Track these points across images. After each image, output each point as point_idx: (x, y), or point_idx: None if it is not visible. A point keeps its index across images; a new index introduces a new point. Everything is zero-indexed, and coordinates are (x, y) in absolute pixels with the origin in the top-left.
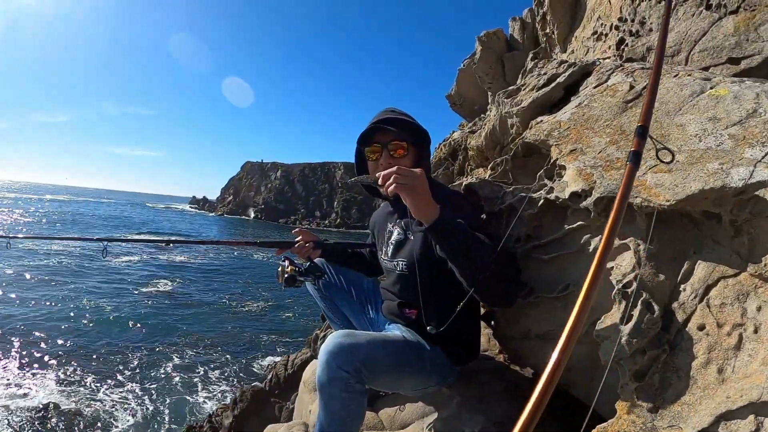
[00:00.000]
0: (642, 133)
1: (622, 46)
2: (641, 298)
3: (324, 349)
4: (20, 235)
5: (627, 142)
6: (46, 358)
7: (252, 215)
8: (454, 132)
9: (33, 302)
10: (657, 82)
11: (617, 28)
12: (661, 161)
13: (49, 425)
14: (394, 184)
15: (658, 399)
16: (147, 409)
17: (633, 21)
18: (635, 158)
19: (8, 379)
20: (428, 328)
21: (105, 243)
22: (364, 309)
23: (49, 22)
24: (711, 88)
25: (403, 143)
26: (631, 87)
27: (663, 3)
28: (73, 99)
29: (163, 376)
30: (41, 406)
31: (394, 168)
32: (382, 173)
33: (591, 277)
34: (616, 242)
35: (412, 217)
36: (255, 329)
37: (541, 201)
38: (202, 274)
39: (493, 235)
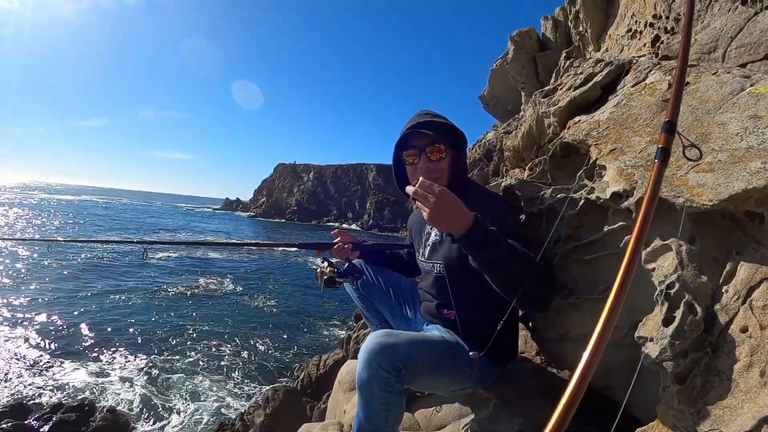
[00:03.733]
0: (669, 128)
1: (658, 44)
2: (683, 300)
3: (365, 348)
4: (60, 239)
5: None
6: (80, 354)
7: (285, 217)
8: (487, 133)
9: (70, 299)
10: (683, 74)
11: (652, 25)
12: (688, 159)
13: (80, 422)
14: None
15: (699, 402)
16: (178, 406)
17: (668, 18)
18: (663, 155)
19: (42, 376)
20: (471, 354)
21: (145, 246)
22: (402, 309)
23: (82, 28)
24: (751, 85)
25: (440, 146)
26: (670, 85)
27: None
28: (110, 103)
29: (195, 373)
30: (75, 403)
31: (417, 185)
32: (413, 190)
33: (621, 277)
34: (658, 243)
35: None
36: (288, 329)
37: (582, 201)
38: (237, 274)
39: (529, 238)
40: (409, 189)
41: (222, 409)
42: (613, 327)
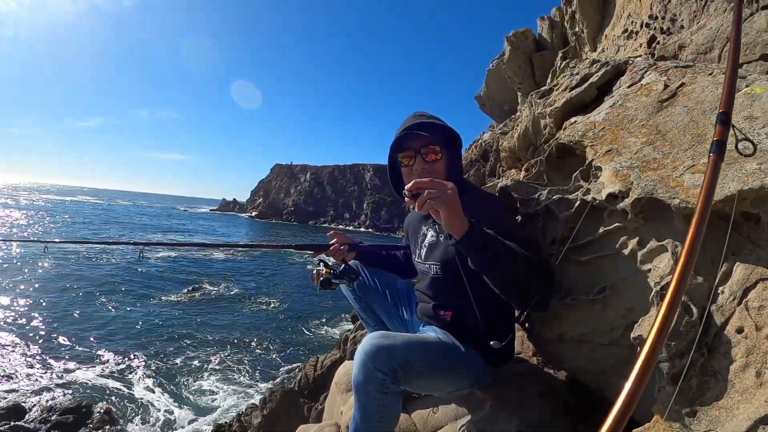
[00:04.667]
0: (725, 120)
1: (654, 44)
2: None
3: (361, 349)
4: (57, 240)
5: (663, 142)
6: (76, 356)
7: (282, 217)
8: (484, 133)
9: (67, 301)
10: (736, 62)
11: (648, 25)
12: (742, 154)
13: (77, 423)
14: (426, 200)
15: (695, 403)
16: (176, 407)
17: (664, 18)
18: (719, 148)
19: (38, 377)
20: (492, 343)
21: (141, 247)
22: (399, 311)
23: (79, 29)
24: (746, 86)
25: (435, 147)
26: (666, 86)
27: None
28: (105, 104)
29: (192, 374)
30: (72, 405)
31: (427, 180)
32: (414, 181)
33: (674, 286)
34: (654, 244)
35: None
36: (285, 330)
37: (578, 202)
38: (234, 275)
39: (527, 239)
40: (413, 181)
41: (219, 410)
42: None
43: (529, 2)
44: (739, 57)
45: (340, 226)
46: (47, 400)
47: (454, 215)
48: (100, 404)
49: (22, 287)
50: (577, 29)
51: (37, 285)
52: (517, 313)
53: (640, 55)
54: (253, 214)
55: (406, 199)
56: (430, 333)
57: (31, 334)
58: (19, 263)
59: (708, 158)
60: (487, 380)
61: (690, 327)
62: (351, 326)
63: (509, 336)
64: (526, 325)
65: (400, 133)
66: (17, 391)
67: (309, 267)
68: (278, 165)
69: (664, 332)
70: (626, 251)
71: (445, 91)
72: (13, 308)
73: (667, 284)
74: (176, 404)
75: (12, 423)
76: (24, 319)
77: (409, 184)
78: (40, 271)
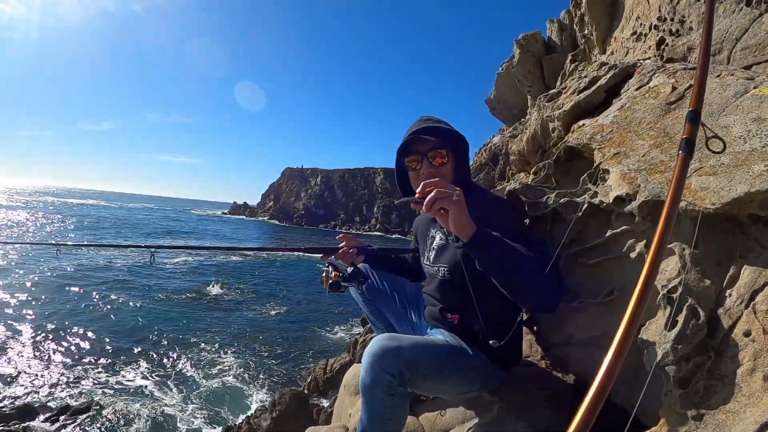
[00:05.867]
0: (694, 118)
1: (663, 46)
2: (686, 304)
3: (368, 351)
4: (69, 243)
5: (671, 145)
6: (87, 357)
7: (292, 221)
8: (493, 137)
9: (79, 302)
10: (707, 60)
11: (657, 27)
12: (712, 151)
13: (86, 424)
14: (435, 200)
15: (702, 406)
16: (185, 408)
17: (672, 20)
18: (688, 146)
19: (49, 378)
20: (491, 342)
21: (153, 250)
22: (407, 313)
23: (89, 34)
24: (755, 87)
25: (442, 151)
26: (674, 88)
27: (702, 0)
28: (116, 107)
29: (201, 376)
30: (81, 405)
31: (435, 180)
32: (423, 183)
33: (645, 275)
34: None
35: None
36: (295, 333)
37: (585, 205)
38: (245, 278)
39: (534, 241)
40: (422, 184)
41: (229, 412)
42: (635, 331)
43: (539, 5)
44: (748, 59)
45: (352, 230)
46: (58, 400)
47: (461, 218)
48: (110, 404)
49: (35, 288)
50: (586, 32)
51: (49, 286)
52: (525, 316)
53: (649, 58)
54: (265, 218)
55: (412, 204)
56: (438, 336)
57: (43, 335)
58: (31, 265)
59: (677, 155)
60: (494, 383)
61: (697, 330)
62: (360, 329)
63: (516, 339)
64: (534, 328)
65: (407, 137)
66: (28, 391)
67: (318, 265)
68: (289, 168)
69: (642, 307)
70: (633, 254)
71: (456, 94)
72: (25, 309)
73: (675, 287)
74: (186, 405)
75: (23, 423)
76: (36, 320)
77: (419, 188)
78: (53, 272)
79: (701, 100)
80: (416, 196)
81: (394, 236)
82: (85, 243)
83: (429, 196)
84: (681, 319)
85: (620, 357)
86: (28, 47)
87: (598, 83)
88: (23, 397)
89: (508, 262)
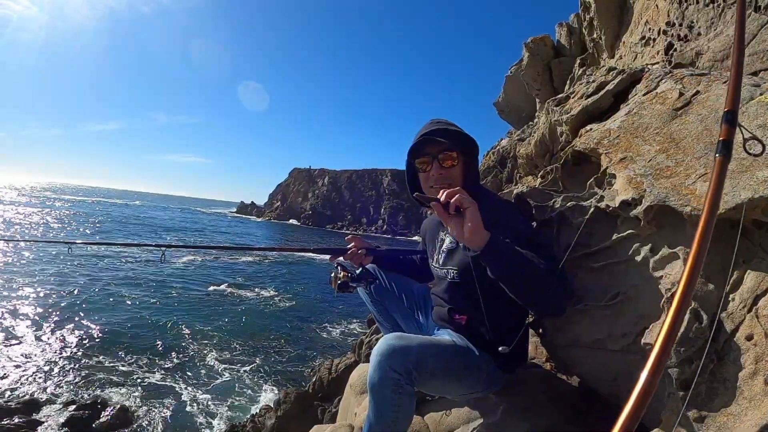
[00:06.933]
0: (731, 119)
1: (671, 51)
2: (690, 308)
3: (376, 350)
4: (79, 241)
5: (677, 150)
6: (95, 353)
7: (299, 221)
8: (502, 140)
9: (89, 298)
10: (741, 58)
11: (665, 32)
12: (750, 154)
13: (91, 419)
14: (460, 200)
15: (704, 409)
16: (189, 407)
17: (681, 25)
18: (725, 149)
19: (56, 373)
20: (500, 348)
21: (163, 249)
22: (414, 314)
23: (97, 35)
24: (761, 94)
25: (452, 153)
26: (681, 94)
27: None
28: (124, 107)
29: (207, 375)
30: (87, 401)
31: (458, 188)
32: (447, 192)
33: (681, 291)
34: (666, 251)
35: None
36: (300, 332)
37: (592, 209)
38: (252, 277)
39: (542, 245)
40: (445, 193)
41: (233, 411)
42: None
43: (548, 9)
44: (755, 65)
45: (358, 231)
46: (62, 395)
47: (475, 228)
48: (115, 401)
49: (46, 285)
50: (595, 36)
51: (59, 283)
52: (530, 318)
53: (658, 62)
54: (271, 217)
55: (432, 203)
56: (445, 336)
57: (49, 330)
58: (42, 263)
59: (714, 159)
60: (499, 385)
61: (700, 333)
62: (366, 330)
63: (521, 341)
64: (540, 330)
65: (418, 138)
66: (34, 385)
67: (323, 264)
68: (297, 169)
69: (678, 322)
70: (639, 258)
71: (465, 97)
72: (34, 305)
73: (677, 282)
74: (189, 404)
75: (27, 417)
76: (44, 316)
77: (443, 195)
78: (64, 270)
79: (738, 100)
80: (441, 199)
81: (401, 237)
82: (97, 242)
83: (455, 197)
84: (684, 322)
85: (657, 374)
86: (37, 47)
87: (606, 88)
88: (27, 391)
89: (520, 270)
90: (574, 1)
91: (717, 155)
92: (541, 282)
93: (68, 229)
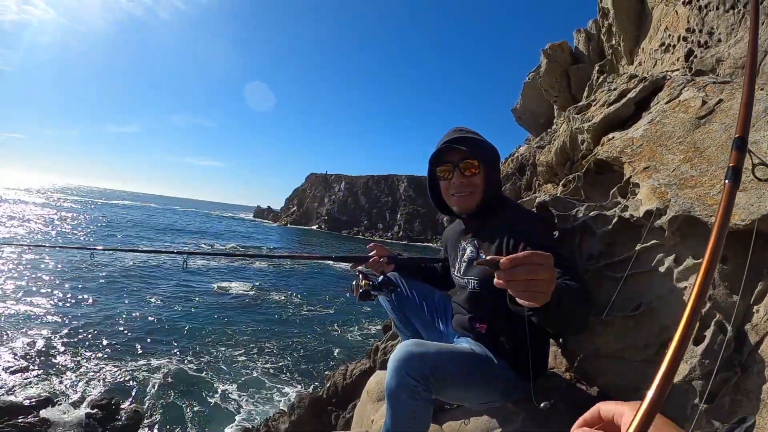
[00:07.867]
0: (741, 145)
1: (691, 58)
2: (714, 319)
3: (394, 356)
4: (99, 247)
5: (701, 159)
6: (111, 354)
7: (315, 226)
8: (520, 146)
9: (105, 302)
10: (752, 83)
11: (685, 39)
12: (758, 179)
13: (105, 420)
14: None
15: (727, 420)
16: (202, 409)
17: (701, 31)
18: (734, 175)
19: (72, 372)
20: (542, 405)
21: (185, 256)
22: (435, 322)
23: (115, 39)
24: None
25: (473, 161)
26: (704, 102)
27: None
28: (142, 110)
29: (221, 379)
30: (102, 402)
31: (524, 258)
32: (511, 258)
33: (692, 303)
34: (690, 262)
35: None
36: (317, 338)
37: (615, 219)
38: (271, 282)
39: (563, 258)
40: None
41: (247, 414)
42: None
43: (566, 15)
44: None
45: (375, 237)
46: (78, 395)
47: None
48: (128, 402)
49: (66, 287)
50: (613, 42)
51: (79, 286)
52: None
53: (678, 69)
54: (287, 222)
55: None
56: (464, 344)
57: (67, 331)
58: (63, 266)
59: (723, 185)
60: (518, 394)
61: (724, 345)
62: (382, 336)
63: (540, 350)
64: (560, 339)
65: (439, 146)
66: (51, 385)
67: (342, 269)
68: (313, 174)
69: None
70: (662, 268)
71: (482, 103)
72: (56, 306)
73: (703, 302)
74: (203, 406)
75: (41, 414)
76: (63, 317)
77: (504, 260)
78: (84, 274)
79: (748, 126)
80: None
81: (417, 244)
82: (119, 248)
83: (518, 281)
84: (708, 334)
85: (669, 379)
86: (57, 49)
87: (628, 96)
88: (42, 389)
89: (563, 313)
90: (593, 7)
91: (726, 181)
92: (575, 311)
93: (87, 231)
